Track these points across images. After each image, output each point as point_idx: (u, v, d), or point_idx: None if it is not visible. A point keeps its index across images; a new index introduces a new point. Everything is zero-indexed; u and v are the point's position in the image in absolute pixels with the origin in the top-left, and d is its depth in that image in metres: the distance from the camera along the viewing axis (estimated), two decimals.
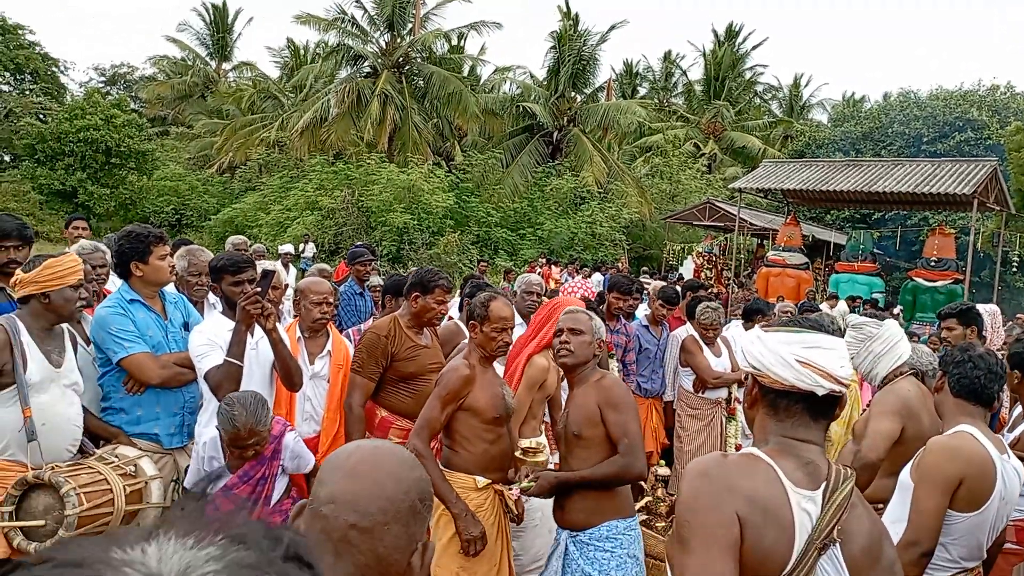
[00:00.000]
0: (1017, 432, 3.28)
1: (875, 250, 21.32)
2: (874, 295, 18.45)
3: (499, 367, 4.23)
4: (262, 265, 3.67)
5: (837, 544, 1.54)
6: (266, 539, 0.59)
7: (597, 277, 17.65)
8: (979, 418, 2.78)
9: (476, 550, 3.01)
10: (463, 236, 23.64)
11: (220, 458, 3.13)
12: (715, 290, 21.94)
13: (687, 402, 6.14)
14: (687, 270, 23.51)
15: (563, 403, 3.33)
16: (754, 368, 1.68)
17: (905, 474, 2.81)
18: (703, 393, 6.06)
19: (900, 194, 18.39)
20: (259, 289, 3.27)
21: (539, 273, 21.27)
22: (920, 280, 18.20)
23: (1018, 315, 15.03)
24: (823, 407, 1.64)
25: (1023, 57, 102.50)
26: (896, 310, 17.06)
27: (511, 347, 3.52)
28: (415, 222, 22.73)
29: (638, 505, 3.83)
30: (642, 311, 6.67)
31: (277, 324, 3.43)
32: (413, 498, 1.15)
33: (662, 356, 6.32)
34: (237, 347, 3.25)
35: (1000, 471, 2.64)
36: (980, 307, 5.11)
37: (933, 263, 18.25)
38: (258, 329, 3.43)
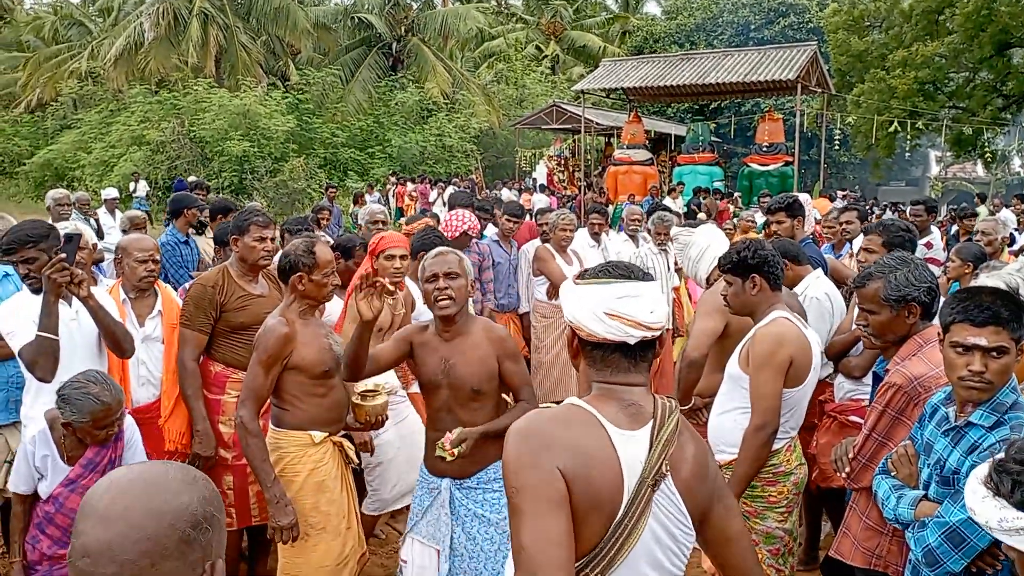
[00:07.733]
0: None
1: (713, 139, 22.23)
2: (715, 184, 19.35)
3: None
4: (65, 229, 3.34)
5: (668, 476, 1.56)
6: None
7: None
8: (783, 303, 3.01)
9: (283, 539, 2.91)
10: (308, 160, 22.68)
11: (53, 453, 2.91)
12: (569, 192, 22.37)
13: (541, 312, 6.26)
14: (540, 175, 23.75)
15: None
16: (570, 321, 1.68)
17: (733, 366, 3.00)
18: (556, 300, 6.19)
19: (731, 84, 19.16)
20: (64, 256, 3.01)
21: (392, 192, 20.89)
22: (754, 166, 19.23)
23: (846, 192, 16.15)
24: (641, 351, 1.65)
25: None
26: (735, 195, 17.97)
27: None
28: (255, 149, 21.56)
29: None
30: (492, 229, 6.70)
31: (92, 289, 3.18)
32: (183, 527, 1.05)
33: (514, 270, 6.42)
34: (48, 319, 2.99)
35: (812, 346, 2.89)
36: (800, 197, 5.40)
37: (765, 148, 19.28)
38: (76, 299, 3.18)
